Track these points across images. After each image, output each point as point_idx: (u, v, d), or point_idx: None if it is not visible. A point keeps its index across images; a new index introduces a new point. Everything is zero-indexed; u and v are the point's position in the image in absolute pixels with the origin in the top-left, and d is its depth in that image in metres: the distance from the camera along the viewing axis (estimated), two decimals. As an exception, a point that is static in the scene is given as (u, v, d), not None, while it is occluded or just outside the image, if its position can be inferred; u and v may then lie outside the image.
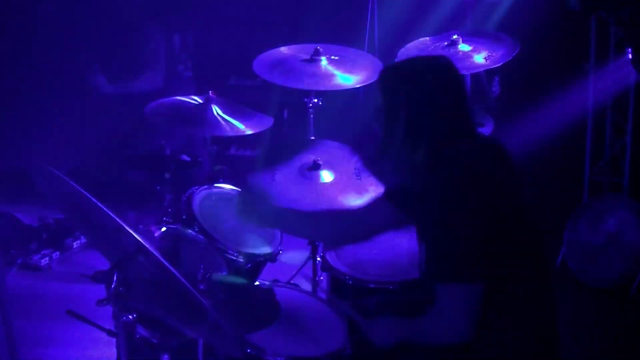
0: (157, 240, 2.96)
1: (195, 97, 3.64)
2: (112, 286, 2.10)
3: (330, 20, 5.11)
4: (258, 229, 3.23)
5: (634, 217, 4.32)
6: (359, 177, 3.34)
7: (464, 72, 3.64)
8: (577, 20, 4.57)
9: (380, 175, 3.04)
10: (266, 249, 3.19)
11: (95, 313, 2.75)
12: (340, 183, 3.29)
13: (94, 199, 1.93)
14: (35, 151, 5.13)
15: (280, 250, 3.23)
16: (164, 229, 3.06)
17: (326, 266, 3.04)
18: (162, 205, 3.65)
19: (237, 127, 3.50)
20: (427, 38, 3.93)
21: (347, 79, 3.60)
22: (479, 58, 3.68)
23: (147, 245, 1.98)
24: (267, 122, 3.62)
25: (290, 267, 4.10)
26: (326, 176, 3.29)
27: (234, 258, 3.03)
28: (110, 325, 2.51)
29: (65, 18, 5.12)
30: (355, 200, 3.17)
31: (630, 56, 4.17)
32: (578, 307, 4.09)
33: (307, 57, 3.67)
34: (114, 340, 2.71)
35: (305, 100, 3.79)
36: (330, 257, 3.05)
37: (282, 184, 3.25)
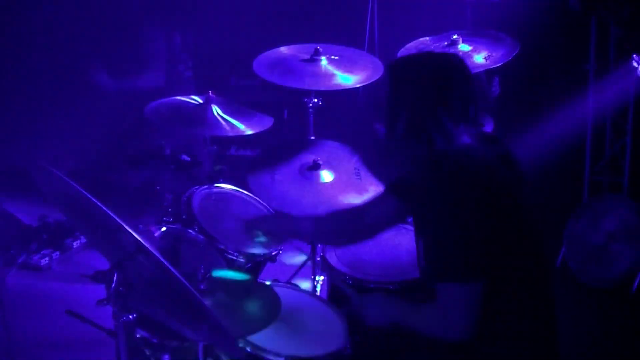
0: (157, 240, 2.96)
1: (195, 97, 3.64)
2: (112, 286, 2.10)
3: (330, 20, 5.11)
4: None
5: (634, 217, 4.32)
6: (359, 177, 3.34)
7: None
8: (577, 21, 4.57)
9: (382, 168, 3.05)
10: (266, 249, 3.19)
11: (95, 313, 2.76)
12: (340, 183, 3.29)
13: (94, 199, 1.93)
14: (36, 150, 5.14)
15: (280, 250, 3.23)
16: (164, 229, 3.06)
17: (326, 266, 3.04)
18: (162, 205, 3.65)
19: (237, 127, 3.50)
20: (427, 38, 3.93)
21: (347, 79, 3.60)
22: (479, 58, 3.68)
23: (147, 245, 1.98)
24: (267, 122, 3.62)
25: (290, 267, 4.10)
26: (326, 176, 3.29)
27: (234, 258, 3.03)
28: (110, 325, 2.51)
29: (66, 16, 5.12)
30: (355, 199, 3.17)
31: (635, 63, 4.16)
32: (578, 307, 4.09)
33: (307, 57, 3.67)
34: (113, 340, 2.71)
35: (305, 100, 3.79)
36: (330, 257, 3.04)
37: (282, 184, 3.25)
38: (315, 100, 3.79)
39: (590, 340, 3.83)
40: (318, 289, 3.36)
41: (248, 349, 2.41)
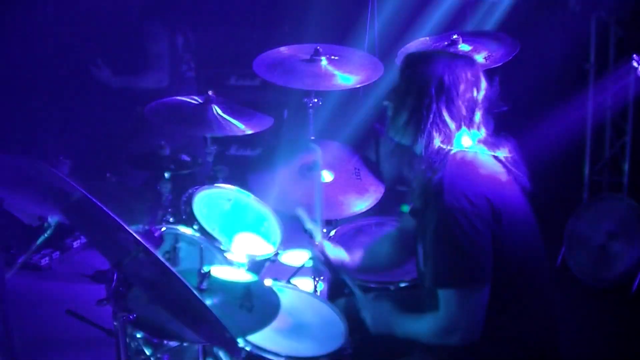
0: (157, 240, 2.96)
1: (196, 97, 3.64)
2: (112, 286, 2.10)
3: (330, 20, 5.10)
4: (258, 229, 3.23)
5: (634, 217, 4.32)
6: (359, 177, 3.34)
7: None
8: (577, 21, 4.57)
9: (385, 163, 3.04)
10: (266, 249, 3.19)
11: (95, 313, 2.76)
12: (340, 183, 3.29)
13: (94, 199, 1.93)
14: (36, 150, 5.14)
15: (280, 250, 3.23)
16: (164, 229, 3.06)
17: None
18: (162, 205, 3.65)
19: (237, 127, 3.50)
20: (427, 38, 3.92)
21: (347, 79, 3.60)
22: (479, 58, 3.66)
23: (147, 245, 1.98)
24: (267, 122, 3.61)
25: (290, 267, 4.09)
26: (326, 176, 3.29)
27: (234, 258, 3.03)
28: (110, 325, 2.51)
29: (69, 17, 5.12)
30: (355, 207, 3.17)
31: (635, 63, 4.16)
32: (578, 307, 4.09)
33: (307, 57, 3.67)
34: (113, 340, 2.71)
35: (305, 100, 3.79)
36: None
37: (283, 184, 3.25)
38: (315, 100, 3.79)
39: (590, 340, 3.83)
40: (318, 288, 3.35)
41: (248, 348, 2.41)
